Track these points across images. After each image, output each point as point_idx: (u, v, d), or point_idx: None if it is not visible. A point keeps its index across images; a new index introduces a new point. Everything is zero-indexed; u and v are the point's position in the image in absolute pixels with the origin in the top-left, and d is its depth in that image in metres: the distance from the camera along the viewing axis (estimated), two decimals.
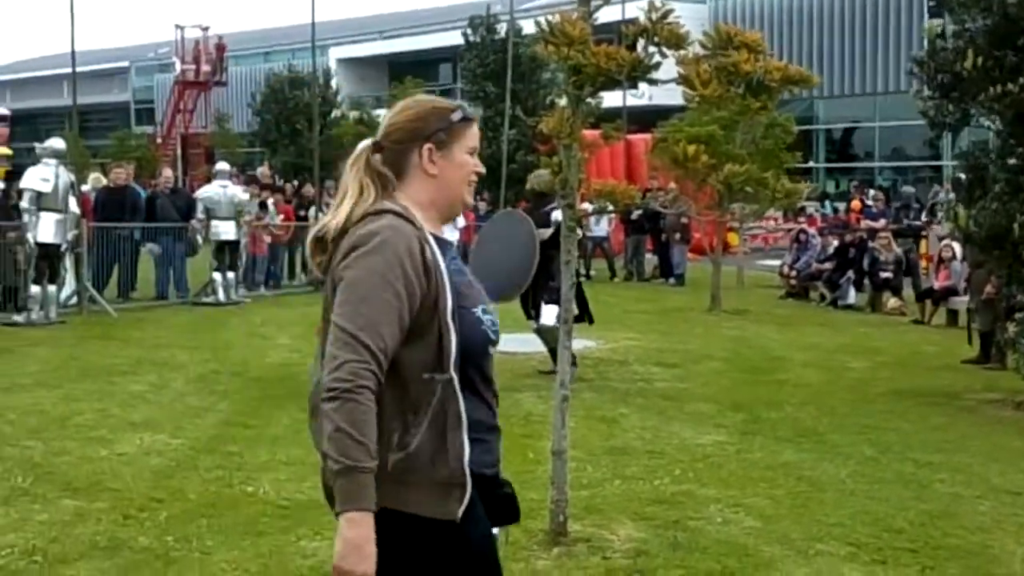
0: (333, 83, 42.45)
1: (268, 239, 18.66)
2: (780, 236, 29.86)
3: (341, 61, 52.75)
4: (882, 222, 21.00)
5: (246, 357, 11.40)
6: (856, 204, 27.55)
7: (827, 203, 35.73)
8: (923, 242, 21.48)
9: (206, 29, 50.93)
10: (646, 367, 11.12)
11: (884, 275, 17.40)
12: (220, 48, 50.84)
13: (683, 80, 4.96)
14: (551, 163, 5.47)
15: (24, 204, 13.44)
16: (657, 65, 5.08)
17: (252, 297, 17.36)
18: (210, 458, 7.04)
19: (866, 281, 17.73)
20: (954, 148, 21.81)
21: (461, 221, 17.57)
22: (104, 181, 18.41)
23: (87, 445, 7.36)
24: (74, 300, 14.98)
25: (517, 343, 11.85)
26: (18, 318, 13.46)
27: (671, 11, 5.04)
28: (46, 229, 13.51)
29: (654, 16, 5.01)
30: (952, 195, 13.90)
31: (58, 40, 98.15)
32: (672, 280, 21.38)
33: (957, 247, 14.91)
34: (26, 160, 18.67)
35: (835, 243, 18.99)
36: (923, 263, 20.35)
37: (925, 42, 10.19)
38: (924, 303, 15.85)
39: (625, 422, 8.42)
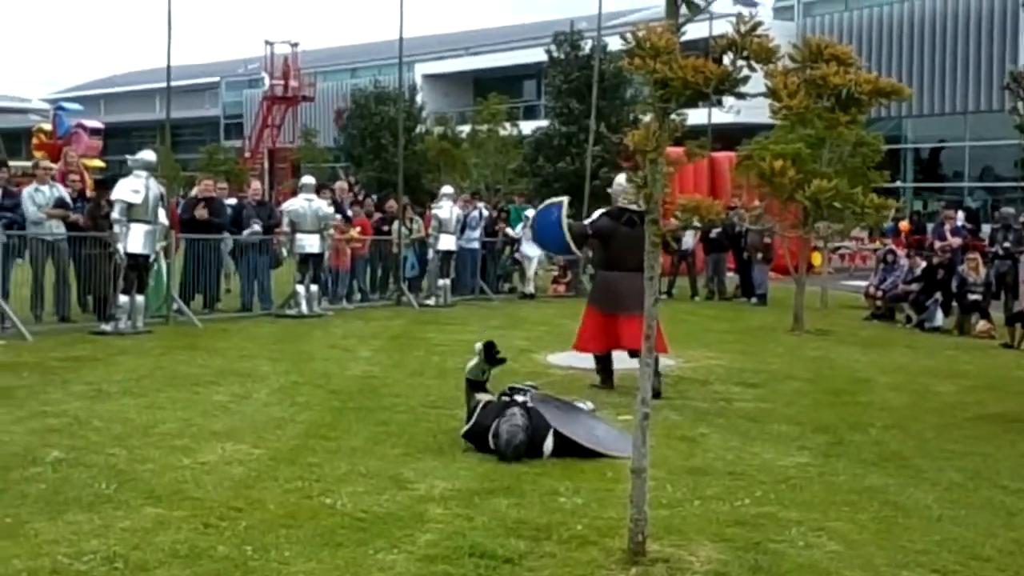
0: (418, 99, 42.77)
1: (350, 252, 18.77)
2: (865, 256, 29.43)
3: (427, 77, 53.23)
4: (957, 241, 20.70)
5: (327, 369, 11.47)
6: (904, 226, 26.99)
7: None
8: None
9: (295, 45, 51.78)
10: (727, 387, 10.98)
11: (973, 297, 17.02)
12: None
13: (770, 92, 4.86)
14: (636, 178, 5.40)
15: (115, 215, 13.68)
16: (745, 79, 4.99)
17: (334, 310, 17.49)
18: (290, 469, 7.07)
19: (954, 303, 17.36)
20: None
21: None
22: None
23: (170, 453, 7.44)
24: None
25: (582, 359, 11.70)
26: (106, 327, 13.70)
27: (760, 24, 4.96)
28: (136, 239, 13.75)
29: (743, 29, 4.94)
30: None
31: (150, 55, 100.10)
32: (754, 300, 21.12)
33: None
34: (118, 172, 19.03)
35: (922, 264, 18.61)
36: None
37: (1021, 57, 9.98)
38: (1014, 327, 15.44)
39: (705, 442, 8.31)
